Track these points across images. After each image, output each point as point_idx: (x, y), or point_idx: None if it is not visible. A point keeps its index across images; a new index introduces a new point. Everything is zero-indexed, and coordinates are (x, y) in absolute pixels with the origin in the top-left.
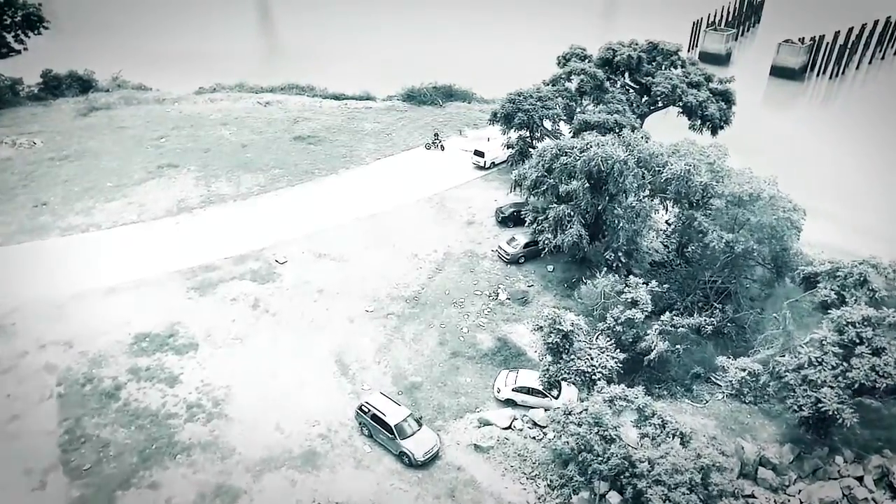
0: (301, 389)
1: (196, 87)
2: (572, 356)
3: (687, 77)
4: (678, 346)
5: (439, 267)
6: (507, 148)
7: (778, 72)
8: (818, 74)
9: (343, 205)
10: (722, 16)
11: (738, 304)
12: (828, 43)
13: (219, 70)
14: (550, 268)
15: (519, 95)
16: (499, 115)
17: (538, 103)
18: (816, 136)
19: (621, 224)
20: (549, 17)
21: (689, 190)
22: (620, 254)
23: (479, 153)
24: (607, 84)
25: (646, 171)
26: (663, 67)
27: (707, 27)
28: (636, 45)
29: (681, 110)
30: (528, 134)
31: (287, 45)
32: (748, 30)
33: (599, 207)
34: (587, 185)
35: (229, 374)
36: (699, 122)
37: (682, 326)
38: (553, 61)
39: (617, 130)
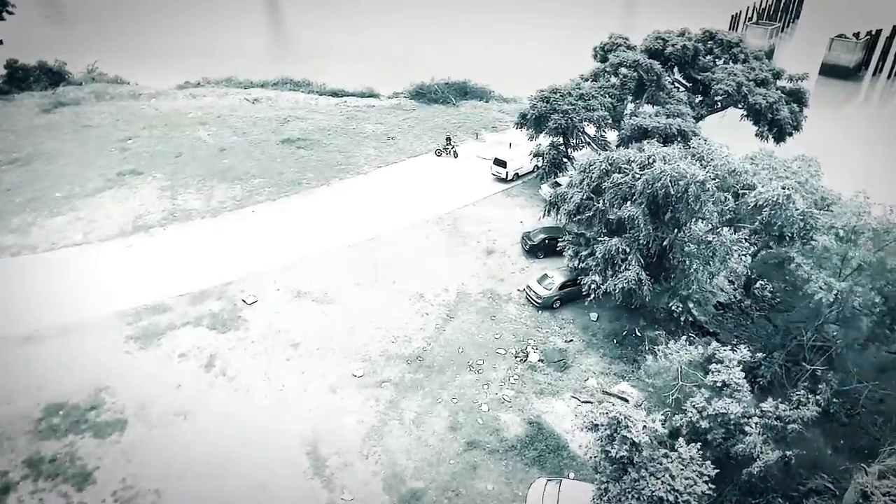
0: (257, 496)
1: (183, 81)
2: (641, 471)
3: (751, 73)
4: (790, 453)
5: (451, 313)
6: (536, 157)
7: (829, 70)
8: (874, 73)
9: (333, 226)
10: (755, 10)
11: (844, 373)
12: (887, 37)
13: (214, 64)
14: (594, 316)
15: (554, 93)
16: (529, 118)
17: (579, 102)
18: (883, 145)
19: (694, 265)
20: (566, 10)
21: (785, 221)
22: (691, 304)
23: (500, 162)
24: (666, 80)
25: (726, 195)
26: (722, 61)
27: (747, 21)
28: (689, 34)
29: (745, 113)
30: (561, 141)
31: (294, 41)
32: (788, 25)
33: (664, 242)
34: (648, 211)
35: (162, 471)
36: (767, 127)
37: (794, 422)
38: (577, 57)
39: (680, 139)
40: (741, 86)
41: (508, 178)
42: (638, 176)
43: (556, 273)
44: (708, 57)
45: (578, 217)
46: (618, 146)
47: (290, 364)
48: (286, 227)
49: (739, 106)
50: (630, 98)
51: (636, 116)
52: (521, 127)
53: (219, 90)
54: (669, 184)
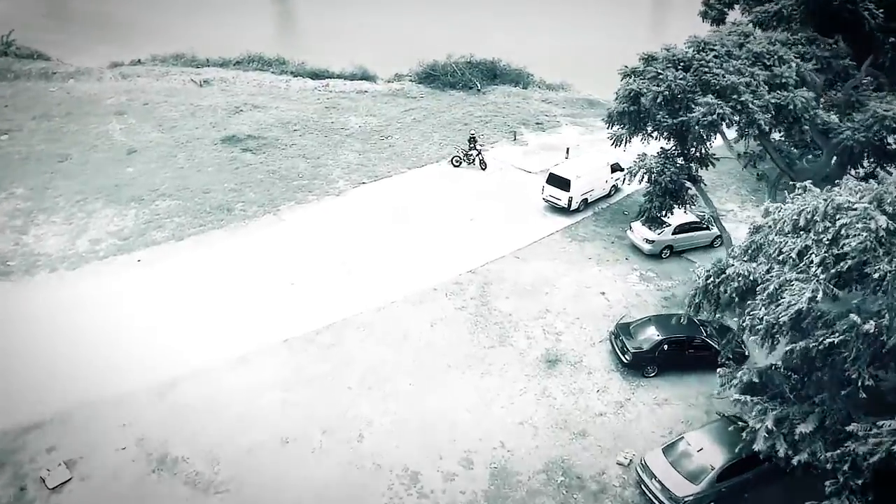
0: None
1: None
2: None
3: None
4: None
5: None
6: (637, 176)
7: None
8: None
9: (259, 297)
10: None
11: None
12: None
13: (186, 43)
14: None
15: (701, 49)
16: (651, 96)
17: (756, 71)
18: None
19: None
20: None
21: None
22: None
23: (558, 182)
24: None
25: None
26: None
27: None
28: None
29: None
30: (677, 147)
31: (292, 19)
32: None
33: None
34: None
35: None
36: None
37: None
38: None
39: None
40: None
41: (571, 207)
42: None
43: (703, 440)
44: None
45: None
46: (799, 159)
47: None
48: (180, 302)
49: None
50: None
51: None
52: (615, 123)
53: (160, 69)
54: None
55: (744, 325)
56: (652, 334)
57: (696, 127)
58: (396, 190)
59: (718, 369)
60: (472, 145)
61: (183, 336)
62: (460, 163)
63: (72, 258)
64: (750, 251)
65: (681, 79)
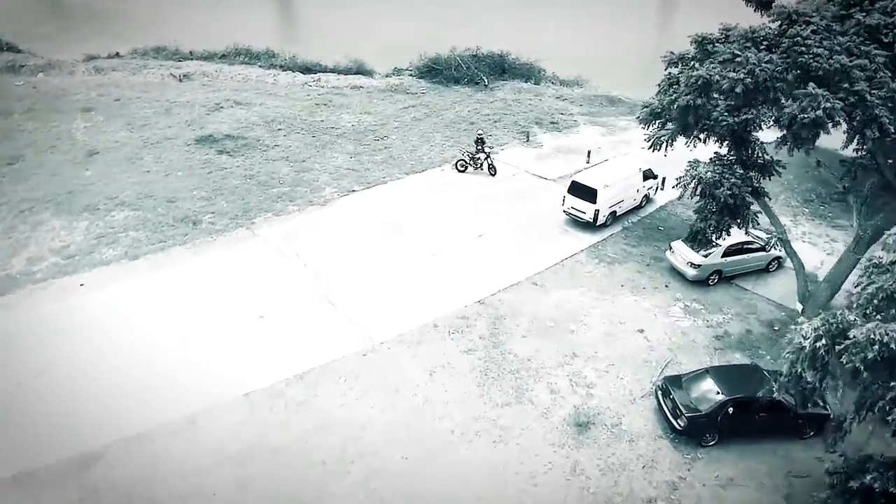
0: None
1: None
2: None
3: None
4: None
5: None
6: (680, 186)
7: None
8: None
9: (224, 339)
10: None
11: None
12: None
13: (180, 35)
14: None
15: (795, 15)
16: (728, 85)
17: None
18: None
19: None
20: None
21: None
22: None
23: (582, 191)
24: None
25: None
26: None
27: None
28: None
29: None
30: (732, 149)
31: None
32: None
33: None
34: None
35: None
36: None
37: None
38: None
39: None
40: None
41: (597, 221)
42: None
43: None
44: None
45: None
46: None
47: None
48: (117, 335)
49: None
50: None
51: None
52: (656, 119)
53: (138, 63)
54: None
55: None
56: (712, 392)
57: (797, 127)
58: (391, 199)
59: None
60: (479, 147)
61: (115, 391)
62: (466, 167)
63: (1, 281)
64: (876, 302)
65: (766, 62)
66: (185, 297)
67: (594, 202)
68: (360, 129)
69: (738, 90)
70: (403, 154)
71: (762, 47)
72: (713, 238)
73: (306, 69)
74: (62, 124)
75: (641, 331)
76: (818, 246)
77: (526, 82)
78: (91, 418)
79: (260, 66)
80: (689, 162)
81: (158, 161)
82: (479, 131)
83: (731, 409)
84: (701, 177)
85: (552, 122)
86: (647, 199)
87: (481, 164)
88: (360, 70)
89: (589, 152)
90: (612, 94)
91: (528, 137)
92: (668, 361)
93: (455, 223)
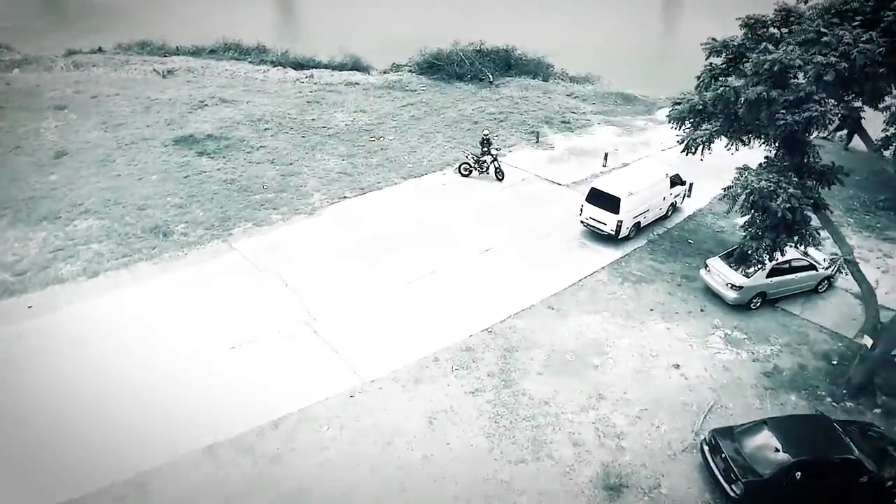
0: None
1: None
2: None
3: None
4: None
5: None
6: (729, 197)
7: None
8: None
9: (186, 376)
10: None
11: None
12: None
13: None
14: None
15: None
16: (814, 72)
17: None
18: None
19: None
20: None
21: None
22: None
23: (602, 199)
24: None
25: None
26: None
27: None
28: None
29: None
30: (784, 153)
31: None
32: None
33: None
34: None
35: None
36: None
37: None
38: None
39: None
40: None
41: (619, 234)
42: None
43: None
44: None
45: None
46: None
47: None
48: (62, 371)
49: None
50: None
51: None
52: (696, 117)
53: (121, 58)
54: None
55: None
56: (773, 450)
57: None
58: (387, 207)
59: None
60: (485, 149)
61: (48, 448)
62: (470, 171)
63: None
64: None
65: (865, 41)
66: (146, 323)
67: (617, 212)
68: (355, 129)
69: (827, 78)
70: (401, 156)
71: (855, 23)
72: (766, 259)
73: (299, 65)
74: (31, 123)
75: (677, 366)
76: (870, 262)
77: (534, 79)
78: (18, 483)
79: (250, 62)
80: (738, 169)
81: (132, 163)
82: (485, 131)
83: (798, 474)
84: (753, 186)
85: (563, 122)
86: (674, 208)
87: (487, 168)
88: (356, 66)
89: (606, 155)
90: (627, 91)
91: (537, 138)
92: (710, 405)
93: (458, 235)
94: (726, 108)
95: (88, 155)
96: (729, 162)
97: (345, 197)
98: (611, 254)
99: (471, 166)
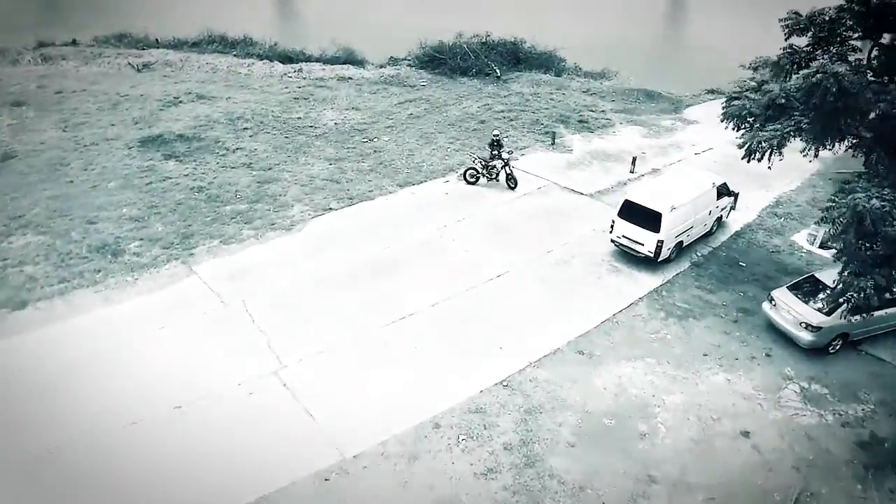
0: None
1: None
2: None
3: None
4: None
5: None
6: (828, 221)
7: None
8: None
9: (120, 451)
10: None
11: None
12: None
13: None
14: None
15: None
16: None
17: None
18: None
19: None
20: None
21: None
22: None
23: (638, 214)
24: None
25: None
26: None
27: None
28: None
29: None
30: (883, 161)
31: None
32: None
33: None
34: None
35: None
36: None
37: None
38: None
39: None
40: None
41: (661, 257)
42: None
43: None
44: None
45: None
46: None
47: None
48: None
49: None
50: None
51: None
52: (776, 112)
53: (95, 51)
54: None
55: None
56: None
57: None
58: (379, 221)
59: None
60: (494, 152)
61: None
62: (477, 178)
63: None
64: None
65: None
66: (76, 371)
67: (657, 230)
68: (345, 129)
69: None
70: (397, 160)
71: None
72: (874, 301)
73: (287, 58)
74: None
75: (747, 434)
76: None
77: (545, 73)
78: None
79: (235, 56)
80: (841, 184)
81: (88, 168)
82: (495, 131)
83: None
84: (864, 206)
85: (581, 121)
86: (719, 224)
87: (497, 175)
88: (350, 59)
89: (634, 159)
90: (649, 87)
91: (553, 139)
92: (798, 493)
93: (464, 257)
94: (823, 102)
95: (39, 158)
96: (774, 168)
97: (330, 208)
98: (649, 280)
99: (478, 172)
